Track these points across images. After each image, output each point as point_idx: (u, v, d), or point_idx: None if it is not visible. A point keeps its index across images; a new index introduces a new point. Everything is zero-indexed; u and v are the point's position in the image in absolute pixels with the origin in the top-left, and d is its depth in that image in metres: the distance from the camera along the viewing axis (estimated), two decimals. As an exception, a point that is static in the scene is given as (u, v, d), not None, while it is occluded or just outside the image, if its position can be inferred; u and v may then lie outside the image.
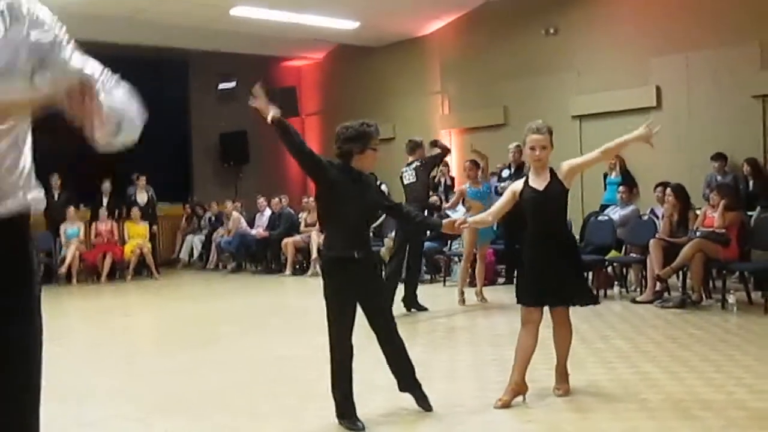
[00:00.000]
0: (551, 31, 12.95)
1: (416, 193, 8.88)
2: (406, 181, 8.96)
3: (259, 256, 14.35)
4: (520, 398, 4.83)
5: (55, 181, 13.36)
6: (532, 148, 4.87)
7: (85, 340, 8.26)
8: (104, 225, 13.58)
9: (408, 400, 4.74)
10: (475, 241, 9.24)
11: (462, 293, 9.19)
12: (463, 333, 7.51)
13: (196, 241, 15.71)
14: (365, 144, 4.45)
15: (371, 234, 11.38)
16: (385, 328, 4.62)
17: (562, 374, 5.08)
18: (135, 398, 5.44)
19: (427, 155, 9.20)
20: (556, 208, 4.90)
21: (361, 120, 4.52)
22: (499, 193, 11.05)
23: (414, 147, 9.09)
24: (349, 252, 4.42)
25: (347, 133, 4.44)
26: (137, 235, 13.73)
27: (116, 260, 13.50)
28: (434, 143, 9.70)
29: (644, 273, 9.22)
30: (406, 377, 4.70)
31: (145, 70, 17.27)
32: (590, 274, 10.10)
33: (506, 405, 4.73)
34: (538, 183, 4.87)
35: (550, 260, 4.82)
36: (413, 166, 8.95)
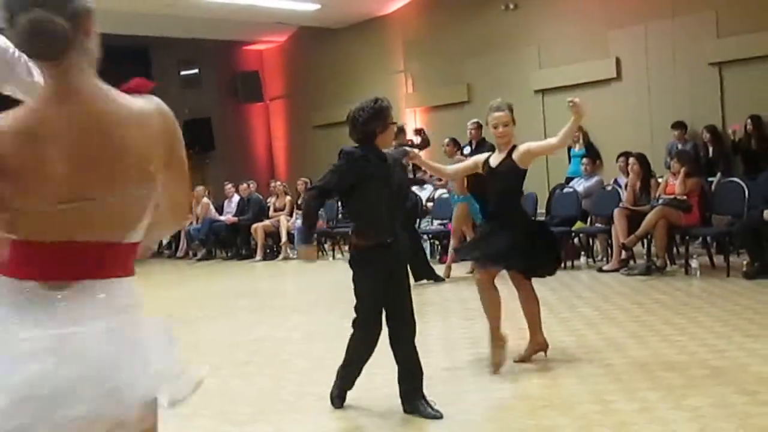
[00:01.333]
0: (511, 6, 13.01)
1: (400, 176, 8.94)
2: None
3: (229, 243, 14.34)
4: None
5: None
6: (495, 126, 4.95)
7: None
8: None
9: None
10: (464, 217, 9.31)
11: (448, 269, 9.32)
12: (433, 307, 7.60)
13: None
14: (386, 119, 4.28)
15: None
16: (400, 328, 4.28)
17: (532, 335, 5.26)
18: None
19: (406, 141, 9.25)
20: (503, 187, 4.98)
21: (372, 98, 4.29)
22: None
23: (398, 132, 9.06)
24: (387, 237, 4.25)
25: (365, 115, 4.22)
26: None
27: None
28: (418, 132, 9.73)
29: (610, 242, 9.37)
30: (409, 394, 4.29)
31: (105, 57, 17.14)
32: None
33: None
34: (495, 160, 4.98)
35: (500, 230, 4.97)
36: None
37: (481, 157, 5.12)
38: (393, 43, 15.10)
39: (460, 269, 9.34)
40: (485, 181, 5.05)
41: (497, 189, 4.99)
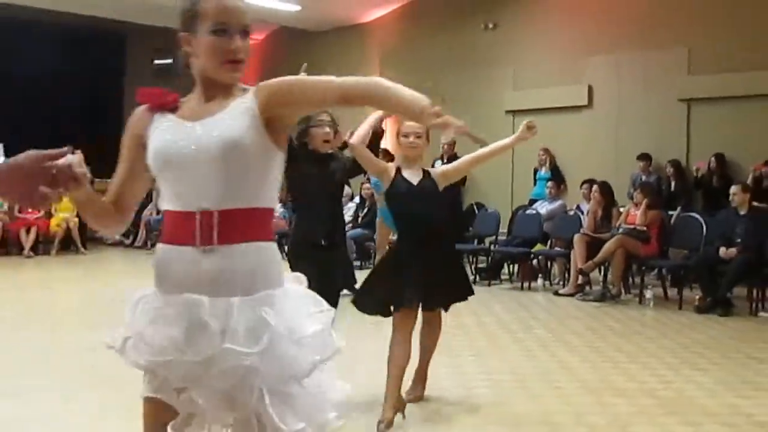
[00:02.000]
0: (490, 25, 13.13)
1: None
2: None
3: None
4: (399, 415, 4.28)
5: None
6: (406, 135, 4.41)
7: (3, 312, 8.07)
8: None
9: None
10: (388, 233, 9.29)
11: None
12: (389, 320, 7.58)
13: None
14: (306, 124, 4.40)
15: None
16: None
17: (422, 378, 4.72)
18: (57, 371, 5.37)
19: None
20: (435, 205, 4.32)
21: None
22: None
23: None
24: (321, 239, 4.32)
25: (297, 130, 4.39)
26: (65, 208, 13.43)
27: (42, 234, 13.19)
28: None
29: (568, 266, 9.47)
30: None
31: (82, 40, 17.08)
32: (515, 266, 10.35)
33: (392, 424, 4.17)
34: (412, 176, 4.32)
35: (432, 259, 4.25)
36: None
37: (391, 166, 4.46)
38: (370, 51, 15.13)
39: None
40: (393, 196, 4.36)
41: (426, 207, 4.27)
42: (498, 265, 10.37)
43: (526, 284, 9.66)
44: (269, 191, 2.02)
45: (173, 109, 2.06)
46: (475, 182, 11.42)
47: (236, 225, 1.94)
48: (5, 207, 13.03)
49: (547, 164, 11.66)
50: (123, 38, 16.51)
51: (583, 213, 9.97)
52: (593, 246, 8.87)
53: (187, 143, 1.96)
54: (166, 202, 2.02)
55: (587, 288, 9.10)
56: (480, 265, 10.44)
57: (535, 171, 11.94)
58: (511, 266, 10.48)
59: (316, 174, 4.36)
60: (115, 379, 5.10)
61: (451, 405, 4.64)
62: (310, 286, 2.13)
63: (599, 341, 6.48)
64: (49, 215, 13.30)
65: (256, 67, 17.61)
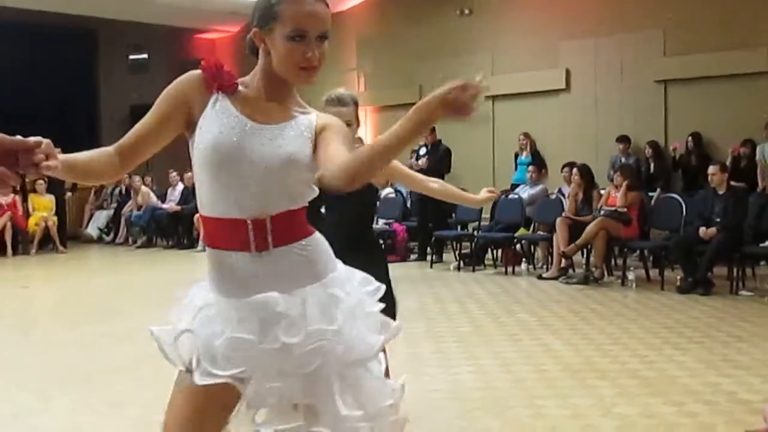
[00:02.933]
0: (466, 11, 13.12)
1: None
2: None
3: (170, 231, 14.12)
4: None
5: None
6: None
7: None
8: (6, 198, 13.10)
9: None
10: None
11: None
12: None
13: (104, 216, 15.37)
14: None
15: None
16: None
17: None
18: (33, 369, 5.33)
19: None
20: (361, 201, 3.43)
21: None
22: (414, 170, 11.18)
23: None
24: None
25: None
26: (42, 207, 13.33)
27: (20, 233, 13.07)
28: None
29: (551, 250, 9.50)
30: None
31: (51, 37, 16.86)
32: (499, 251, 10.38)
33: None
34: None
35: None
36: None
37: None
38: (346, 40, 15.06)
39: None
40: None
41: (350, 212, 3.45)
42: (481, 250, 10.40)
43: (509, 269, 9.69)
44: (310, 191, 2.07)
45: (230, 92, 2.02)
46: (457, 169, 11.42)
47: (288, 226, 1.99)
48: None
49: (528, 149, 11.69)
50: (95, 34, 16.32)
51: (564, 196, 10.00)
52: (575, 229, 8.90)
53: (252, 151, 1.95)
54: (212, 203, 2.00)
55: (570, 271, 9.13)
56: (464, 251, 10.46)
57: (516, 156, 11.96)
58: (494, 251, 10.51)
59: None
60: (92, 376, 5.10)
61: (436, 390, 4.65)
62: None
63: (582, 324, 6.52)
64: (27, 214, 13.18)
65: (233, 61, 17.52)
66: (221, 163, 1.95)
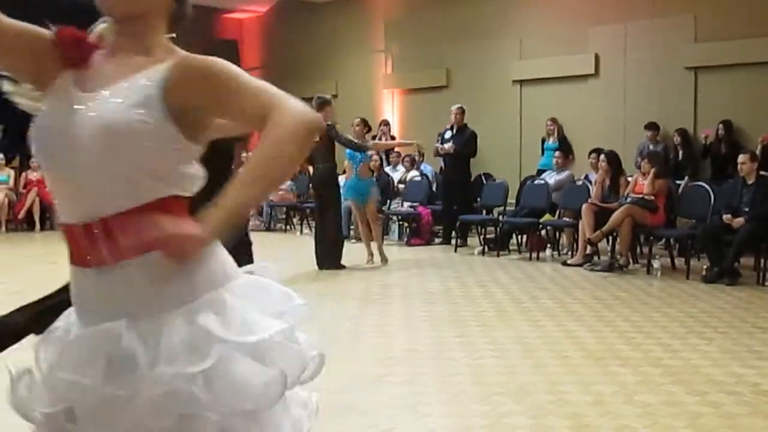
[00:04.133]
0: (495, -6, 13.02)
1: (317, 152, 8.50)
2: None
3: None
4: None
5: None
6: None
7: (7, 286, 8.11)
8: (35, 173, 13.26)
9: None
10: (357, 205, 9.25)
11: (369, 252, 9.18)
12: (396, 289, 7.64)
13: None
14: None
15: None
16: None
17: None
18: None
19: (334, 120, 8.86)
20: None
21: None
22: (439, 155, 11.19)
23: (321, 104, 8.71)
24: None
25: None
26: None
27: (48, 209, 13.23)
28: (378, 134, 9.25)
29: (576, 236, 9.47)
30: None
31: (82, 15, 16.85)
32: (524, 236, 10.37)
33: None
34: None
35: None
36: None
37: None
38: (374, 22, 15.03)
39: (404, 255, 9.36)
40: None
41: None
42: (506, 235, 10.38)
43: (534, 255, 9.67)
44: (177, 180, 1.56)
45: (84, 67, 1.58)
46: (483, 153, 11.39)
47: (134, 231, 1.46)
48: (11, 183, 13.08)
49: (555, 134, 11.62)
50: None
51: (591, 183, 9.94)
52: (601, 216, 8.85)
53: (72, 132, 1.50)
54: (57, 207, 1.60)
55: (595, 258, 9.09)
56: (488, 236, 10.45)
57: (543, 141, 11.89)
58: (519, 237, 10.49)
59: None
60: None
61: (458, 374, 4.67)
62: None
63: (606, 311, 6.50)
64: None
65: (259, 41, 17.55)
66: (39, 152, 1.56)
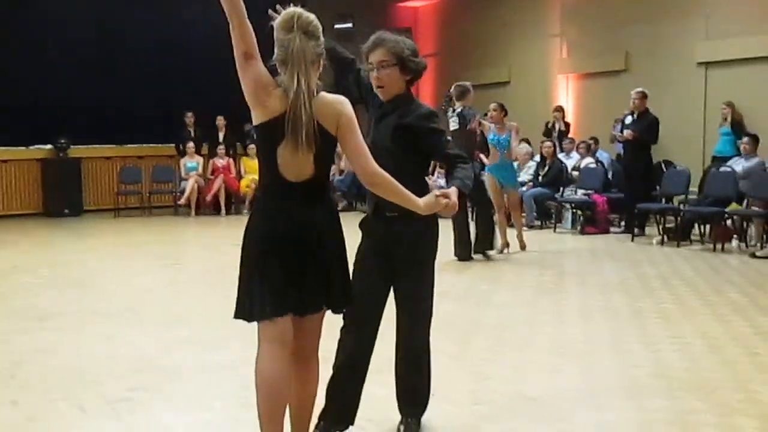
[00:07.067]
0: (681, -29, 12.36)
1: (458, 141, 8.45)
2: (450, 128, 8.46)
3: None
4: None
5: (189, 118, 13.97)
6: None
7: (202, 265, 8.62)
8: (221, 160, 14.03)
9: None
10: (499, 189, 9.01)
11: (504, 241, 8.89)
12: (572, 278, 7.46)
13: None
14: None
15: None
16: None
17: None
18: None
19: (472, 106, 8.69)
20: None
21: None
22: (618, 141, 10.81)
23: (463, 92, 8.59)
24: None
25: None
26: (253, 170, 14.12)
27: (233, 194, 13.98)
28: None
29: (766, 228, 8.87)
30: (402, 400, 3.50)
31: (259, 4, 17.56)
32: (707, 226, 9.83)
33: None
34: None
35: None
36: (458, 111, 8.60)
37: None
38: (550, 5, 14.70)
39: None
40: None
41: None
42: (688, 225, 9.89)
43: (719, 246, 9.14)
44: None
45: None
46: (664, 139, 10.86)
47: None
48: (200, 169, 13.89)
49: (729, 118, 10.89)
50: (302, 4, 16.97)
51: (784, 171, 9.27)
52: (795, 206, 8.24)
53: None
54: None
55: (788, 251, 8.48)
56: (668, 225, 10.00)
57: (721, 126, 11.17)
58: (702, 227, 9.96)
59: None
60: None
61: (638, 367, 4.51)
62: None
63: (801, 307, 6.05)
64: (239, 177, 14.05)
65: (434, 29, 17.65)
66: None
